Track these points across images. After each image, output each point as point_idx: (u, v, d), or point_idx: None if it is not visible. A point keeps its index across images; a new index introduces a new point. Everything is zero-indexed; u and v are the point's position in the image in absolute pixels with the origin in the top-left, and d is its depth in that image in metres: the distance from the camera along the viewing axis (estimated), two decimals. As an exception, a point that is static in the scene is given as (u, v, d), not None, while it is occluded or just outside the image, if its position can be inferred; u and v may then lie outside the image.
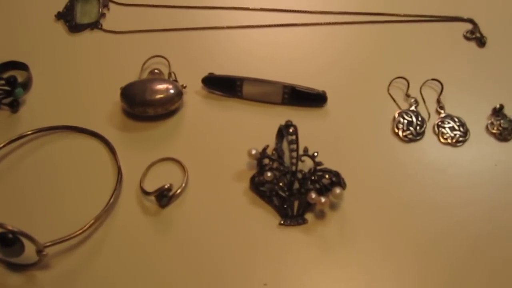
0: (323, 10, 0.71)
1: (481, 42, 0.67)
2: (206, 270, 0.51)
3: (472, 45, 0.68)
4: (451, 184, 0.56)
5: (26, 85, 0.63)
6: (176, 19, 0.71)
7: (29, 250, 0.49)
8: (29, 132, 0.59)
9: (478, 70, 0.65)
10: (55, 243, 0.50)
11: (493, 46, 0.68)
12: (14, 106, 0.61)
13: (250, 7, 0.71)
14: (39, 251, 0.49)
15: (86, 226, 0.51)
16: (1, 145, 0.57)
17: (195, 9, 0.71)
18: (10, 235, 0.48)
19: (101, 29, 0.69)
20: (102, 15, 0.71)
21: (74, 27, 0.69)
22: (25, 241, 0.49)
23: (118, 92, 0.61)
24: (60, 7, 0.72)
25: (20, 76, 0.63)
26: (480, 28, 0.68)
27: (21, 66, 0.65)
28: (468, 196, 0.55)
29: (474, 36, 0.68)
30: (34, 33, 0.70)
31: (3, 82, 0.61)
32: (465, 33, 0.69)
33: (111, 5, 0.72)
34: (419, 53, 0.67)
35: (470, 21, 0.69)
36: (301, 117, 0.59)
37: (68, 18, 0.70)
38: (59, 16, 0.71)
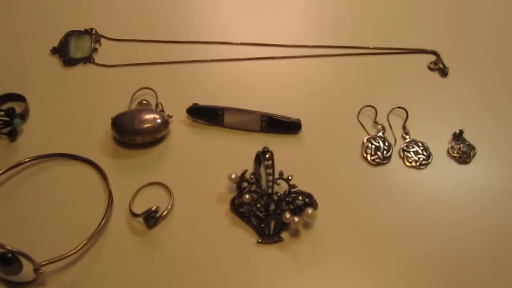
0: (298, 44, 0.73)
1: (443, 72, 0.70)
2: (190, 285, 0.53)
3: (435, 75, 0.70)
4: (415, 203, 0.58)
5: (24, 116, 0.65)
6: (163, 53, 0.72)
7: (26, 269, 0.50)
8: (27, 160, 0.61)
9: (440, 98, 0.68)
10: (50, 262, 0.51)
11: (454, 76, 0.70)
12: (12, 135, 0.63)
13: (232, 42, 0.73)
14: (36, 270, 0.51)
15: (80, 246, 0.53)
16: (1, 171, 0.59)
17: (181, 44, 0.73)
18: (10, 255, 0.49)
19: (93, 63, 0.71)
20: (95, 49, 0.73)
21: (68, 61, 0.71)
22: (23, 260, 0.50)
23: (109, 121, 0.62)
24: (55, 43, 0.73)
25: (18, 107, 0.65)
26: (442, 60, 0.71)
27: (19, 98, 0.67)
28: (430, 214, 0.57)
29: (437, 67, 0.70)
30: (30, 66, 0.71)
31: (2, 113, 0.63)
32: (429, 64, 0.71)
33: (103, 40, 0.74)
34: (387, 83, 0.69)
35: (434, 53, 0.72)
36: (278, 144, 0.62)
37: (63, 53, 0.72)
38: (54, 51, 0.73)
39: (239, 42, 0.74)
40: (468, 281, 0.53)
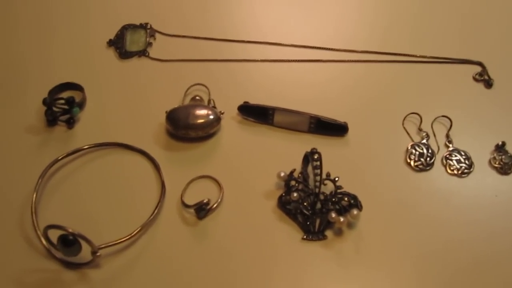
0: (347, 48, 0.75)
1: (488, 83, 0.71)
2: (236, 276, 0.55)
3: (480, 86, 0.71)
4: (455, 211, 0.60)
5: (81, 105, 0.68)
6: (215, 51, 0.75)
7: (84, 251, 0.54)
8: (85, 147, 0.64)
9: (484, 109, 0.69)
10: (107, 245, 0.54)
11: (499, 88, 0.71)
12: (70, 123, 0.66)
13: (282, 43, 0.75)
14: (93, 252, 0.54)
15: (134, 232, 0.56)
16: (60, 157, 0.62)
17: (233, 42, 0.76)
18: (71, 237, 0.52)
19: (148, 56, 0.74)
20: (149, 44, 0.75)
21: (124, 54, 0.74)
22: (82, 243, 0.53)
23: (163, 114, 0.65)
24: (112, 35, 0.76)
25: (75, 96, 0.68)
26: (488, 71, 0.72)
27: (77, 87, 0.70)
28: (470, 222, 0.59)
29: (482, 78, 0.72)
30: (88, 58, 0.74)
31: (62, 101, 0.66)
32: (474, 75, 0.72)
33: (157, 35, 0.77)
34: (432, 91, 0.71)
35: (480, 64, 0.73)
36: (325, 145, 0.64)
37: (119, 46, 0.75)
38: (111, 43, 0.75)
39: (289, 43, 0.76)
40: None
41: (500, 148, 0.65)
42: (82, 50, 0.76)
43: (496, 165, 0.64)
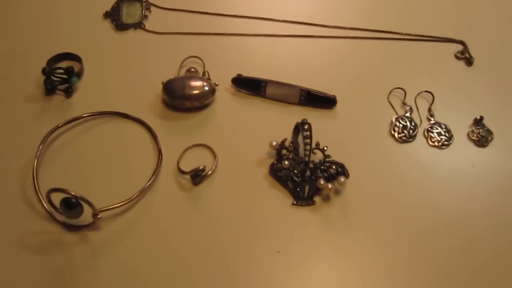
0: (336, 25, 0.77)
1: (469, 61, 0.74)
2: (229, 237, 0.58)
3: (461, 63, 0.74)
4: (435, 180, 0.63)
5: (79, 75, 0.69)
6: (210, 25, 0.76)
7: (85, 214, 0.56)
8: (84, 115, 0.66)
9: (464, 85, 0.72)
10: (108, 208, 0.57)
11: (478, 66, 0.74)
12: (69, 92, 0.68)
13: (275, 18, 0.77)
14: (94, 215, 0.56)
15: (133, 197, 0.59)
16: (60, 124, 0.64)
17: (227, 17, 0.77)
18: (73, 200, 0.54)
19: (143, 29, 0.75)
20: (145, 16, 0.77)
21: (120, 26, 0.75)
22: (84, 206, 0.55)
23: (159, 85, 0.67)
24: (108, 7, 0.77)
25: (74, 66, 0.69)
26: (469, 50, 0.75)
27: (75, 58, 0.71)
28: (449, 189, 0.62)
29: (463, 56, 0.74)
30: (85, 29, 0.75)
31: (61, 71, 0.68)
32: (456, 53, 0.75)
33: (153, 8, 0.78)
34: (416, 68, 0.73)
35: (461, 42, 0.75)
36: (314, 117, 0.66)
37: (115, 18, 0.76)
38: (107, 15, 0.77)
39: (281, 19, 0.77)
40: (475, 253, 0.58)
41: (478, 122, 0.68)
42: (79, 21, 0.77)
43: (474, 138, 0.67)
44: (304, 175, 0.62)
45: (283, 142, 0.63)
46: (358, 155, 0.65)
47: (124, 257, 0.56)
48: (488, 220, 0.60)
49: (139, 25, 0.76)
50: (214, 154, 0.64)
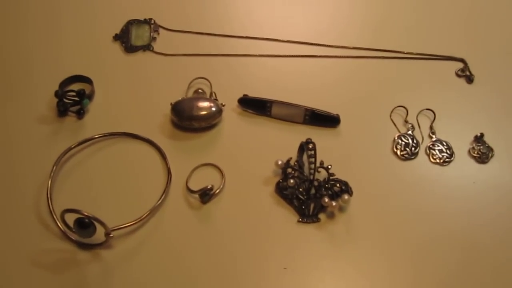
0: (339, 45, 0.78)
1: (469, 79, 0.75)
2: (237, 255, 0.59)
3: (462, 81, 0.75)
4: (437, 196, 0.64)
5: (90, 97, 0.71)
6: (216, 46, 0.78)
7: (98, 233, 0.57)
8: (96, 136, 0.67)
9: (465, 103, 0.73)
10: (119, 227, 0.58)
11: (479, 83, 0.75)
12: (81, 114, 0.70)
13: (279, 39, 0.79)
14: (107, 234, 0.57)
15: (144, 216, 0.60)
16: (73, 145, 0.66)
17: (233, 38, 0.79)
18: (87, 220, 0.56)
19: (152, 51, 0.77)
20: (153, 38, 0.79)
21: (129, 48, 0.77)
22: (97, 225, 0.56)
23: (168, 106, 0.69)
24: (117, 30, 0.79)
25: (85, 88, 0.70)
26: (469, 67, 0.76)
27: (86, 80, 0.73)
28: (450, 206, 0.63)
29: (464, 74, 0.75)
30: (95, 52, 0.77)
31: (73, 93, 0.70)
32: (456, 71, 0.76)
33: (161, 30, 0.80)
34: (418, 86, 0.74)
35: (462, 60, 0.77)
36: (318, 135, 0.67)
37: (124, 40, 0.78)
38: (116, 37, 0.79)
39: (286, 39, 0.79)
40: (477, 267, 0.59)
41: (478, 139, 0.69)
42: (90, 44, 0.78)
43: (475, 155, 0.68)
44: (309, 193, 0.63)
45: (288, 161, 0.64)
46: (362, 173, 0.66)
47: (136, 274, 0.58)
48: (490, 235, 0.61)
49: (147, 47, 0.78)
50: (222, 173, 0.65)
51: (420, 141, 0.69)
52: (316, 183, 0.63)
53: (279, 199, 0.64)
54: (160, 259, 0.59)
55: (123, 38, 0.79)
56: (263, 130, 0.70)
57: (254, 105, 0.71)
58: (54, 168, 0.64)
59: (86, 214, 0.56)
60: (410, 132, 0.70)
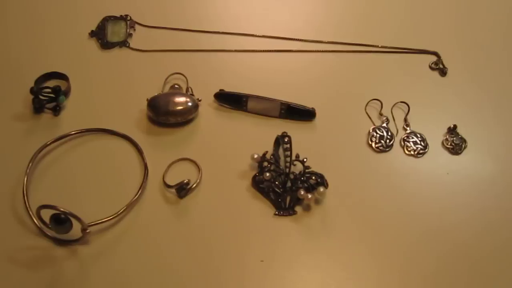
0: (314, 39, 0.79)
1: (443, 72, 0.76)
2: (214, 248, 0.59)
3: (436, 74, 0.76)
4: (412, 187, 0.65)
5: (67, 93, 0.71)
6: (192, 41, 0.78)
7: (74, 229, 0.57)
8: (72, 132, 0.67)
9: (439, 95, 0.74)
10: (96, 223, 0.58)
11: (452, 76, 0.76)
12: (56, 110, 0.70)
13: (255, 34, 0.79)
14: (83, 229, 0.57)
15: (121, 211, 0.60)
16: (49, 142, 0.66)
17: (209, 34, 0.79)
18: (63, 216, 0.56)
19: (128, 47, 0.77)
20: (130, 35, 0.79)
21: (105, 45, 0.77)
22: (73, 221, 0.56)
23: (144, 101, 0.69)
24: (93, 27, 0.79)
25: (61, 85, 0.70)
26: (443, 61, 0.77)
27: (62, 77, 0.73)
28: (425, 196, 0.64)
29: (437, 67, 0.76)
30: (71, 48, 0.77)
31: (49, 90, 0.69)
32: (430, 64, 0.77)
33: (137, 26, 0.80)
34: (392, 79, 0.75)
35: (435, 54, 0.78)
36: (294, 129, 0.67)
37: (100, 36, 0.78)
38: (92, 34, 0.78)
39: (261, 34, 0.80)
40: (452, 258, 0.60)
41: (452, 130, 0.70)
42: (66, 41, 0.78)
43: (448, 146, 0.69)
44: (285, 186, 0.64)
45: (264, 154, 0.65)
46: (337, 166, 0.67)
47: (113, 269, 0.58)
48: (464, 225, 0.62)
49: (124, 44, 0.78)
50: (198, 168, 0.66)
51: (395, 134, 0.70)
52: (292, 176, 0.64)
53: (256, 193, 0.64)
54: (137, 254, 0.59)
55: (99, 34, 0.79)
56: (239, 124, 0.70)
57: (230, 100, 0.71)
58: (30, 165, 0.64)
59: (62, 210, 0.56)
60: (384, 124, 0.70)
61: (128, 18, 0.81)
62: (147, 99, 0.69)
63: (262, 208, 0.63)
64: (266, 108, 0.70)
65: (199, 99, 0.70)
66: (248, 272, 0.58)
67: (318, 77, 0.76)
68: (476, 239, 0.61)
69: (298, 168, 0.65)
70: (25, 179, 0.63)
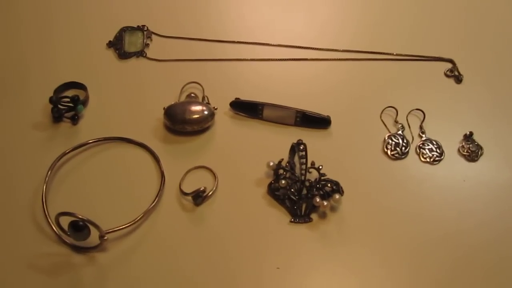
0: (329, 48, 0.79)
1: (458, 79, 0.76)
2: (230, 255, 0.59)
3: (451, 81, 0.76)
4: (427, 194, 0.65)
5: (85, 103, 0.72)
6: (208, 51, 0.79)
7: (92, 236, 0.58)
8: (90, 141, 0.68)
9: (454, 102, 0.74)
10: (114, 230, 0.59)
11: (467, 83, 0.76)
12: (75, 119, 0.71)
13: (270, 43, 0.80)
14: (101, 236, 0.58)
15: (138, 218, 0.61)
16: (68, 150, 0.67)
17: (225, 43, 0.80)
18: (81, 223, 0.57)
19: (145, 57, 0.78)
20: (146, 45, 0.80)
21: (123, 55, 0.79)
22: (91, 228, 0.57)
23: (161, 110, 0.69)
24: (111, 37, 0.81)
25: (79, 94, 0.72)
26: (458, 68, 0.77)
27: (80, 86, 0.74)
28: (440, 204, 0.64)
29: (453, 74, 0.76)
30: (89, 58, 0.78)
31: (67, 99, 0.70)
32: (445, 71, 0.77)
33: (154, 36, 0.81)
34: (407, 87, 0.76)
35: (450, 61, 0.78)
36: (310, 137, 0.68)
37: (118, 47, 0.79)
38: (110, 44, 0.80)
39: (276, 43, 0.80)
40: (468, 265, 0.59)
41: (468, 137, 0.70)
42: (84, 51, 0.80)
43: (464, 153, 0.68)
44: (300, 194, 0.64)
45: (280, 162, 0.65)
46: (353, 173, 0.67)
47: (130, 276, 0.58)
48: (480, 232, 0.62)
49: (141, 53, 0.79)
50: (214, 176, 0.66)
51: (410, 141, 0.70)
52: (307, 184, 0.64)
53: (271, 200, 0.64)
54: (154, 261, 0.59)
55: (117, 45, 0.80)
56: (255, 132, 0.71)
57: (246, 108, 0.72)
58: (49, 173, 0.65)
59: (80, 217, 0.56)
60: (400, 132, 0.70)
61: (145, 28, 0.82)
62: (164, 108, 0.70)
63: (278, 216, 0.63)
64: (282, 116, 0.71)
65: (215, 107, 0.71)
66: (264, 280, 0.58)
67: (334, 85, 0.76)
68: (493, 247, 0.61)
69: (313, 175, 0.65)
70: (44, 187, 0.64)
